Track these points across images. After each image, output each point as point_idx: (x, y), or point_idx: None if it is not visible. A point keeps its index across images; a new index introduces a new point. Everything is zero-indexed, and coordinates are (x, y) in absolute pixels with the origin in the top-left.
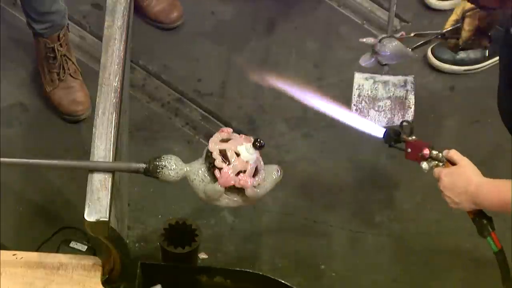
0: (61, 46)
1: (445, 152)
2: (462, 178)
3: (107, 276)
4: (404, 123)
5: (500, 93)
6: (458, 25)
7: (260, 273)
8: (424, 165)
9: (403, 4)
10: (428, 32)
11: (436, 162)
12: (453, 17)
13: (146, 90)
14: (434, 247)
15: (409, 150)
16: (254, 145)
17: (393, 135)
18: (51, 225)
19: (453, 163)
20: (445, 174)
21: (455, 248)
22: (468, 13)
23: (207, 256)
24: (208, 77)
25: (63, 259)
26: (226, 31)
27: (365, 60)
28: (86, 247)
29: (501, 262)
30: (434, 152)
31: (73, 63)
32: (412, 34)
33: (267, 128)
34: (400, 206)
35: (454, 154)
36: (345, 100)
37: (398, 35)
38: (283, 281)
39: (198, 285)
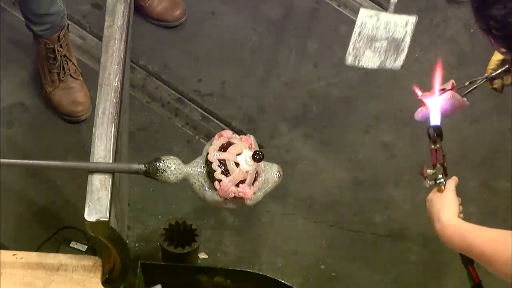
0: (61, 47)
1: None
2: (435, 210)
3: (107, 276)
4: (430, 130)
5: None
6: (506, 67)
7: (260, 273)
8: (424, 182)
9: (402, 3)
10: (478, 78)
11: (434, 182)
12: (497, 57)
13: (146, 90)
14: (434, 247)
15: (430, 157)
16: (253, 157)
17: (427, 133)
18: (51, 225)
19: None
20: (427, 199)
21: None
22: None
23: (207, 256)
24: (208, 77)
25: (63, 259)
26: (226, 31)
27: (420, 114)
28: (86, 247)
29: None
30: (429, 172)
31: (73, 63)
32: (467, 83)
33: (267, 128)
34: (400, 206)
35: (448, 182)
36: (346, 99)
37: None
38: (283, 281)
39: (198, 285)
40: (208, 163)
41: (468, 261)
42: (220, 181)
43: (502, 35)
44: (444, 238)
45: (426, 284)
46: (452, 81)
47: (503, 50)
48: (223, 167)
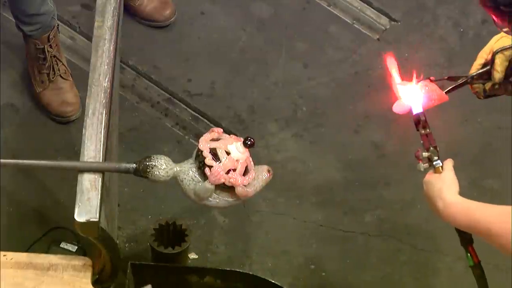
0: (51, 47)
1: (439, 161)
2: (435, 191)
3: (97, 276)
4: (421, 116)
5: None
6: (487, 68)
7: (250, 273)
8: (419, 165)
9: (392, 2)
10: (460, 75)
11: (430, 165)
12: (479, 61)
13: (136, 90)
14: (423, 247)
15: (422, 142)
16: (244, 143)
17: (415, 121)
18: (41, 226)
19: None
20: (424, 181)
21: (444, 248)
22: (498, 54)
23: (197, 256)
24: (198, 77)
25: (53, 260)
26: (216, 31)
27: (399, 107)
28: (76, 247)
29: (477, 277)
30: (425, 154)
31: (63, 64)
32: (445, 77)
33: (257, 128)
34: (390, 206)
35: (445, 163)
36: (336, 99)
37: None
38: (273, 281)
39: (188, 285)
40: (199, 153)
41: (468, 241)
42: (211, 167)
43: (510, 11)
44: (448, 216)
45: (416, 283)
46: (431, 77)
47: (506, 29)
48: (213, 156)
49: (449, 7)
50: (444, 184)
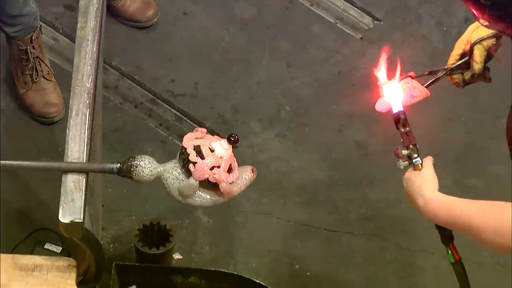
0: (33, 48)
1: (419, 159)
2: (415, 189)
3: (81, 277)
4: (401, 114)
5: None
6: (465, 59)
7: (235, 273)
8: (398, 163)
9: (375, 2)
10: (439, 69)
11: (410, 163)
12: (457, 51)
13: (120, 91)
14: (408, 246)
15: (402, 140)
16: (228, 139)
17: (394, 119)
18: (25, 227)
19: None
20: (404, 179)
21: (428, 247)
22: (477, 45)
23: (181, 257)
24: (181, 78)
25: (38, 261)
26: (199, 31)
27: (381, 105)
28: (60, 248)
29: (458, 274)
30: (404, 152)
31: (46, 65)
32: (426, 73)
33: (241, 128)
34: (374, 205)
35: (425, 160)
36: (319, 98)
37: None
38: (257, 281)
39: (173, 286)
40: (183, 151)
41: (448, 238)
42: (195, 163)
43: (490, 4)
44: (428, 213)
45: (401, 282)
46: (411, 72)
47: (486, 22)
48: (197, 153)
49: (432, 6)
50: (424, 181)
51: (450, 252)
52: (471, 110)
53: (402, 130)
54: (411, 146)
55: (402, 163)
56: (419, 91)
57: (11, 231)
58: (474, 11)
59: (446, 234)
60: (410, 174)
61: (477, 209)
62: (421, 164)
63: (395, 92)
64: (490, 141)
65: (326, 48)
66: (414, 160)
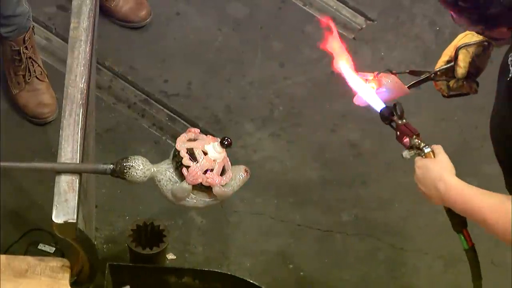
0: (26, 49)
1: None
2: (434, 173)
3: (75, 277)
4: (397, 105)
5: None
6: (450, 64)
7: (229, 273)
8: (405, 153)
9: (368, 1)
10: (423, 70)
11: (417, 151)
12: (444, 58)
13: (113, 91)
14: (401, 245)
15: (398, 133)
16: (221, 143)
17: (387, 114)
18: (19, 228)
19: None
20: (418, 166)
21: (422, 246)
22: (462, 49)
23: (175, 257)
24: (174, 78)
25: (31, 261)
26: (192, 32)
27: (360, 99)
28: (54, 249)
29: (471, 260)
30: (415, 141)
31: (39, 65)
32: (407, 71)
33: (234, 128)
34: (367, 205)
35: (436, 148)
36: (312, 98)
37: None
38: (251, 281)
39: (167, 286)
40: (176, 153)
41: (462, 224)
42: (188, 167)
43: (468, 6)
44: (449, 199)
45: (395, 282)
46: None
47: (464, 25)
48: (190, 156)
49: (425, 6)
50: (444, 167)
51: (463, 238)
52: (464, 110)
53: (400, 122)
54: (414, 136)
55: (409, 153)
56: (398, 86)
57: (4, 232)
58: (452, 13)
59: (460, 220)
60: (425, 161)
61: (491, 207)
62: (432, 152)
63: (371, 88)
64: (483, 141)
65: (319, 47)
66: (424, 149)
